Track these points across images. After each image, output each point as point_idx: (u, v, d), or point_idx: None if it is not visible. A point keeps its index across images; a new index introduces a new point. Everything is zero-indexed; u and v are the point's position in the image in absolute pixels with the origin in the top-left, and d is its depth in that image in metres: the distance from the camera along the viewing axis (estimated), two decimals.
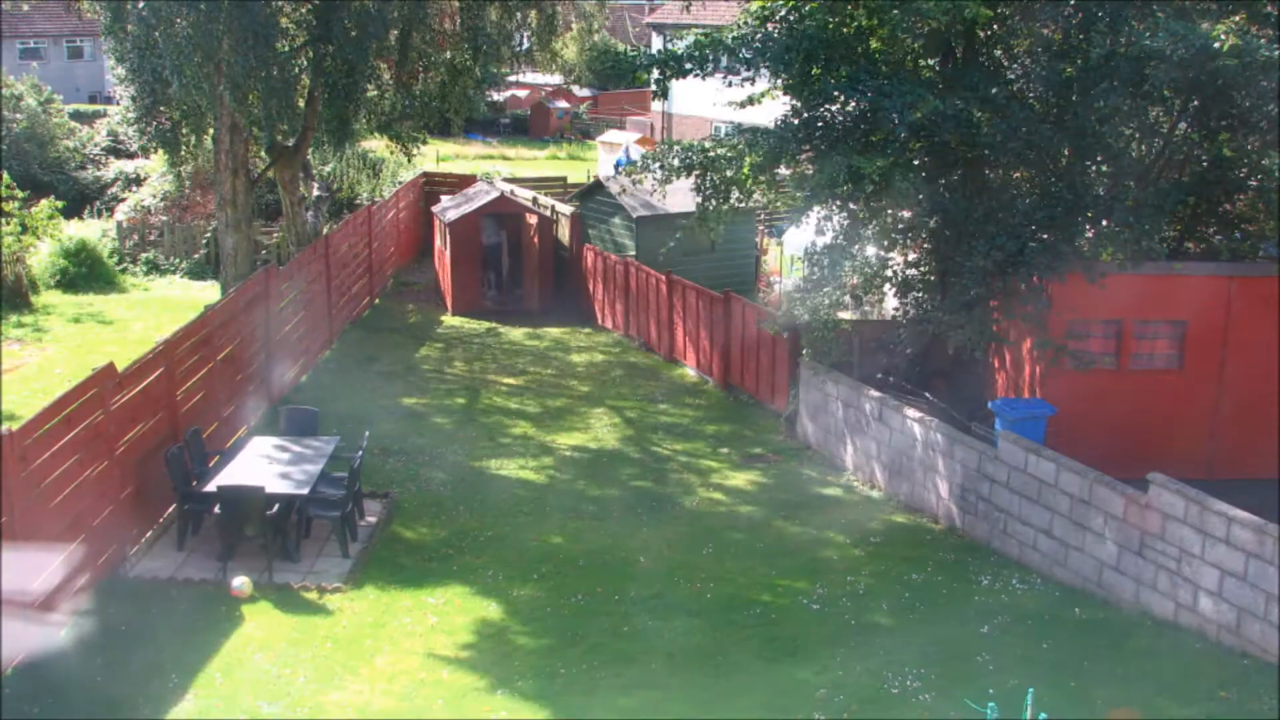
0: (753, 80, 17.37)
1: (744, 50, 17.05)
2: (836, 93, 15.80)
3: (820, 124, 16.96)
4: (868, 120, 15.79)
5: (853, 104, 15.61)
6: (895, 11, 15.64)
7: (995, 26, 16.88)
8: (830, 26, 16.43)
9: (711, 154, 17.65)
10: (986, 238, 15.83)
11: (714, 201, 18.16)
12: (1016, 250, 15.53)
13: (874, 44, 16.72)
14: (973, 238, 16.05)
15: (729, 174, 17.54)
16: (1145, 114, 15.72)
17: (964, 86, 16.15)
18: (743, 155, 17.14)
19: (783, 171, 18.24)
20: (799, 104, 16.97)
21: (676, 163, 18.02)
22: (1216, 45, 13.85)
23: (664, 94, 17.74)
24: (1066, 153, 16.43)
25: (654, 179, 18.39)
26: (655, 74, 17.40)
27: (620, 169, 36.50)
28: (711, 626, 12.80)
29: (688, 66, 17.15)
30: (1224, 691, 11.30)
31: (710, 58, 17.09)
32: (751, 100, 17.22)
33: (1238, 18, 15.19)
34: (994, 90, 16.02)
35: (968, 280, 16.06)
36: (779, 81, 17.21)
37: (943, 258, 17.54)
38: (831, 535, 15.46)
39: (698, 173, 17.84)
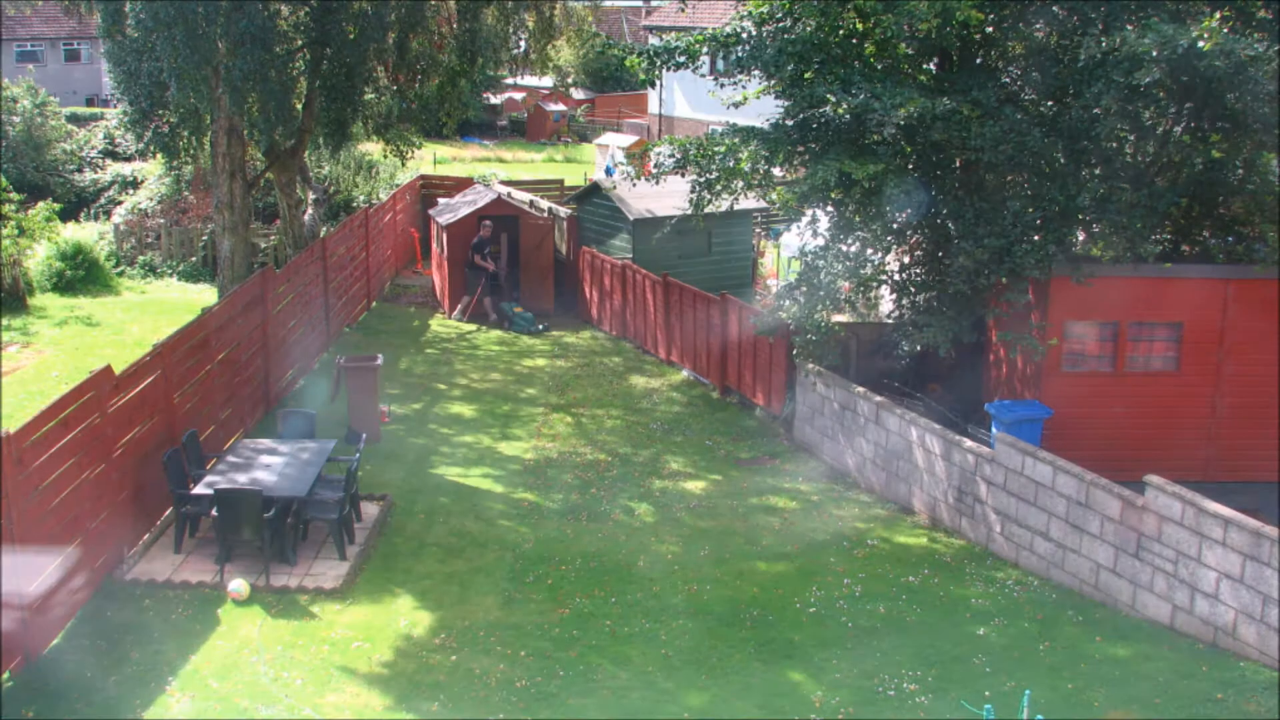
0: (746, 82, 17.44)
1: (737, 50, 17.13)
2: (829, 95, 15.85)
3: (814, 126, 17.01)
4: (860, 122, 15.86)
5: (844, 106, 15.67)
6: (887, 15, 15.68)
7: (989, 30, 16.93)
8: (824, 30, 16.47)
9: (706, 149, 17.70)
10: (975, 239, 15.88)
11: (708, 194, 18.20)
12: (1003, 249, 15.57)
13: (868, 48, 16.75)
14: (962, 239, 16.10)
15: (728, 165, 17.58)
16: (1139, 116, 15.76)
17: (958, 90, 16.18)
18: (737, 150, 17.20)
19: (776, 173, 18.28)
20: (792, 106, 17.02)
21: (670, 163, 18.05)
22: (1201, 44, 13.89)
23: (653, 84, 17.88)
24: (1060, 156, 16.47)
25: (653, 170, 18.49)
26: (646, 64, 17.56)
27: (610, 175, 36.57)
28: (708, 629, 12.82)
29: (680, 59, 17.31)
30: (1220, 694, 11.32)
31: (703, 52, 17.26)
32: (745, 99, 17.29)
33: (1224, 11, 15.23)
34: (986, 93, 16.06)
35: (952, 278, 16.09)
36: (772, 84, 17.27)
37: (934, 260, 17.57)
38: (828, 538, 15.48)
39: (693, 167, 17.89)
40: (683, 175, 18.30)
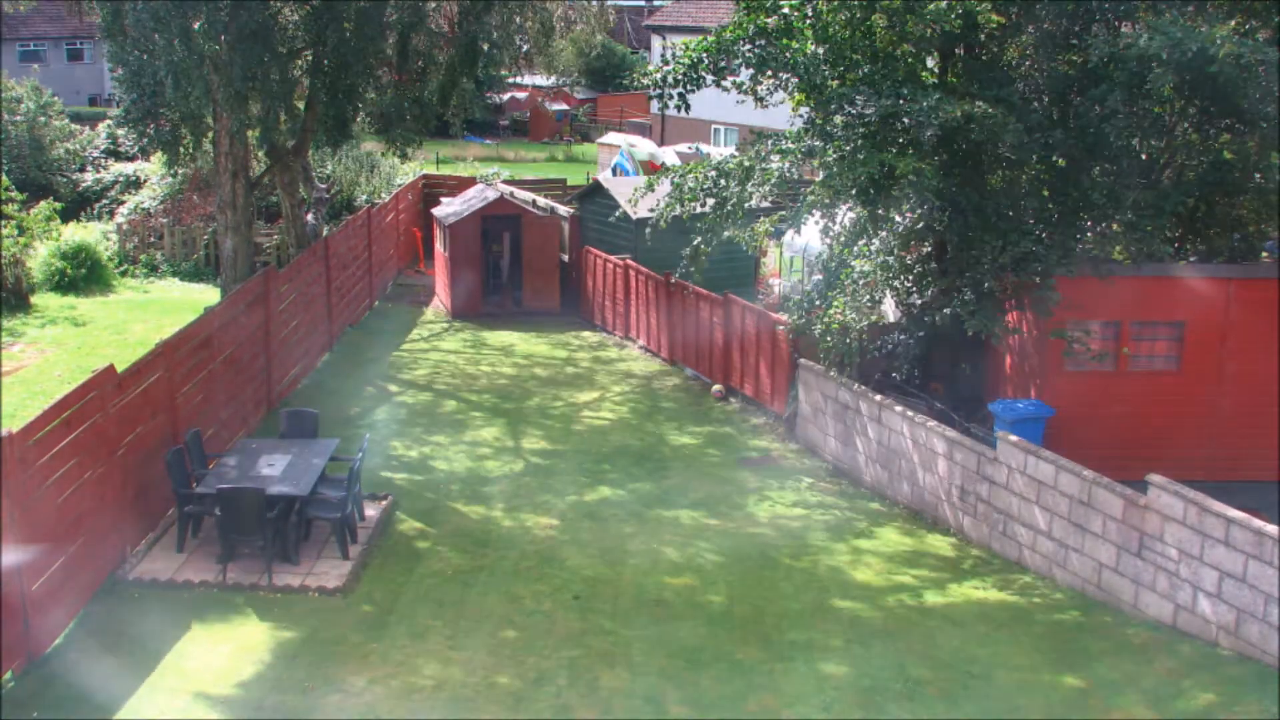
0: (771, 91, 17.21)
1: (747, 50, 16.92)
2: (858, 97, 15.80)
3: (837, 133, 16.78)
4: (887, 124, 15.81)
5: (872, 108, 15.60)
6: (910, 16, 15.70)
7: (999, 30, 16.92)
8: (848, 32, 16.47)
9: (728, 172, 17.29)
10: (999, 234, 15.92)
11: (723, 225, 17.74)
12: (1030, 249, 15.62)
13: (880, 45, 16.73)
14: (985, 233, 16.13)
15: (762, 181, 17.09)
16: (1146, 115, 15.76)
17: (985, 95, 16.12)
18: (768, 163, 16.85)
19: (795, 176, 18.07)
20: (819, 110, 16.85)
21: (688, 190, 17.68)
22: (1213, 50, 13.90)
23: (686, 108, 17.41)
24: (1074, 153, 16.47)
25: (669, 208, 18.11)
26: (677, 92, 17.10)
27: (618, 170, 36.39)
28: (709, 629, 12.82)
29: (709, 79, 17.00)
30: (1222, 693, 11.32)
31: (725, 66, 16.94)
32: (760, 98, 17.11)
33: (1235, 21, 15.23)
34: (1008, 91, 16.08)
35: (983, 274, 16.10)
36: (794, 91, 17.12)
37: (955, 254, 17.47)
38: (829, 536, 15.49)
39: (713, 201, 17.60)
40: (701, 207, 17.87)
